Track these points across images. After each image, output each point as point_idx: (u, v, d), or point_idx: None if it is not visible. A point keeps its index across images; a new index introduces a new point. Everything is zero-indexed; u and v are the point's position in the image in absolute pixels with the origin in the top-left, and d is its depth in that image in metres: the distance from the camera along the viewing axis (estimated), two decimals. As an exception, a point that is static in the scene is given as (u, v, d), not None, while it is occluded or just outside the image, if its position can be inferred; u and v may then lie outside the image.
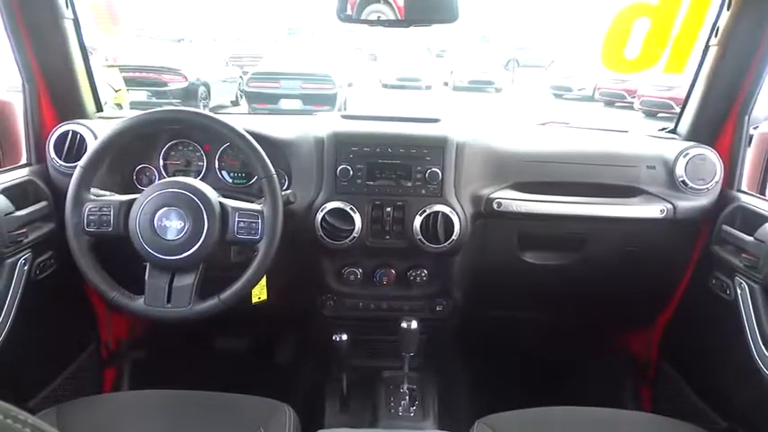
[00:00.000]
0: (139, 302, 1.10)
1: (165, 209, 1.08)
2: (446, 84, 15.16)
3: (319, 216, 1.30)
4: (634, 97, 10.66)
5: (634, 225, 1.40)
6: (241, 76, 9.43)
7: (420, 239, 1.31)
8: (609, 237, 1.44)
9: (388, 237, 1.34)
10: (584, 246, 1.45)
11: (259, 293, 1.30)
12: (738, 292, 1.24)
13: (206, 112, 1.21)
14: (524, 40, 21.75)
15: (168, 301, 1.09)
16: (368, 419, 1.43)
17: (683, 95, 1.51)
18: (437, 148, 1.33)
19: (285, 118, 1.59)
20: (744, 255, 1.22)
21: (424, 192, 1.32)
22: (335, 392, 1.51)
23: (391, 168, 1.32)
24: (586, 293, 1.55)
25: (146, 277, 1.10)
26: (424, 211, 1.31)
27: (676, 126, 1.53)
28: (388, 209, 1.32)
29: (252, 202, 1.15)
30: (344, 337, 1.35)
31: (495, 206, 1.34)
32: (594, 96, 12.53)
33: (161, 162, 1.42)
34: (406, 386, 1.41)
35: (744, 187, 1.43)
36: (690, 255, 1.46)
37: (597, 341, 1.80)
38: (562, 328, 1.75)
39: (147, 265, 1.11)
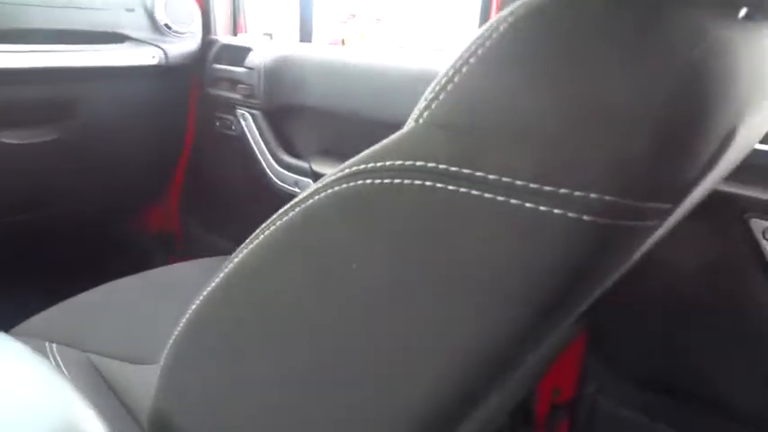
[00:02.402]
0: None
1: None
2: None
3: None
4: None
5: (128, 77, 1.28)
6: None
7: None
8: (104, 96, 1.28)
9: None
10: (77, 111, 1.24)
11: None
12: (243, 123, 1.30)
13: None
14: None
15: None
16: None
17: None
18: None
19: None
20: (240, 86, 1.28)
21: None
22: None
23: None
24: (90, 171, 1.36)
25: None
26: None
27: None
28: None
29: None
30: None
31: None
32: None
33: None
34: None
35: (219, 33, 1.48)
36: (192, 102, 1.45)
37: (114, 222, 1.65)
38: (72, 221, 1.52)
39: None
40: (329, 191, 0.33)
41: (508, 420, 1.02)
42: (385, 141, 0.33)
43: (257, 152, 1.28)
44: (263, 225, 0.38)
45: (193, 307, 0.44)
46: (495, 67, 0.29)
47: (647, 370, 0.97)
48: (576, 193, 0.26)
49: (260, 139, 1.27)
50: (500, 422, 0.98)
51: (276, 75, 1.24)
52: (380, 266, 0.32)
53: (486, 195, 0.28)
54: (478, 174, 0.28)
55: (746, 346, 0.85)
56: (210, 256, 1.10)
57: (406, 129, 0.32)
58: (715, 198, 0.66)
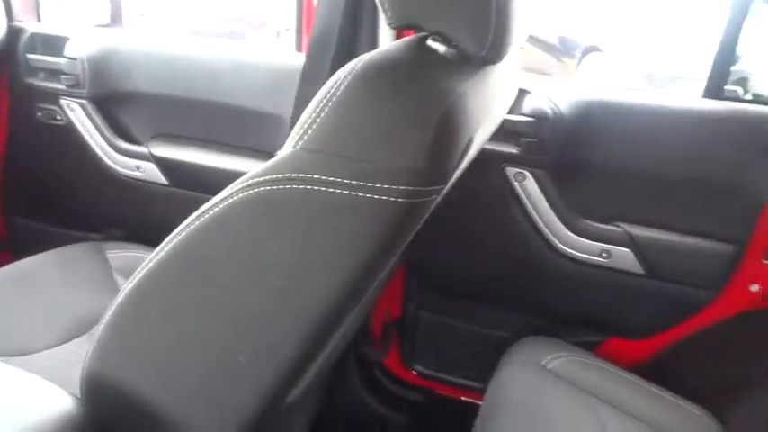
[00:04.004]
0: None
1: None
2: None
3: None
4: None
5: None
6: None
7: None
8: None
9: None
10: None
11: None
12: (70, 113, 1.32)
13: None
14: None
15: None
16: None
17: None
18: None
19: None
20: (63, 76, 1.29)
21: None
22: None
23: None
24: None
25: None
26: None
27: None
28: None
29: None
30: None
31: None
32: None
33: None
34: None
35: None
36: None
37: None
38: None
39: None
40: (236, 197, 0.51)
41: (350, 340, 1.28)
42: (275, 160, 0.51)
43: (90, 141, 1.32)
44: (185, 222, 0.54)
45: (125, 292, 0.58)
46: (340, 110, 0.49)
47: (452, 283, 1.28)
48: (394, 187, 0.48)
49: (92, 127, 1.31)
50: (345, 345, 1.23)
51: (101, 64, 1.28)
52: (282, 250, 0.51)
53: (345, 192, 0.48)
54: (338, 180, 0.48)
55: (514, 257, 1.19)
56: (41, 246, 1.16)
57: (288, 151, 0.51)
58: (482, 155, 0.94)
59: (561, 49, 4.72)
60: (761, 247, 1.05)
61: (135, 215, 1.36)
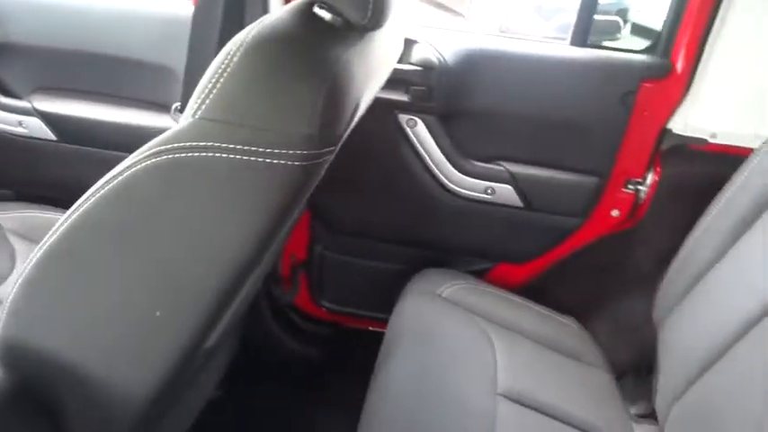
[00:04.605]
0: None
1: None
2: None
3: None
4: None
5: None
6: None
7: None
8: None
9: None
10: None
11: None
12: None
13: None
14: None
15: None
16: None
17: None
18: None
19: None
20: None
21: None
22: None
23: None
24: None
25: None
26: None
27: None
28: None
29: None
30: None
31: None
32: None
33: None
34: None
35: None
36: None
37: None
38: None
39: None
40: (141, 165, 0.54)
41: (262, 285, 1.34)
42: (175, 129, 0.54)
43: None
44: (94, 188, 0.56)
45: (36, 258, 0.59)
46: (235, 81, 0.53)
47: (354, 224, 1.36)
48: (290, 152, 0.53)
49: None
50: (257, 289, 1.29)
51: None
52: (191, 212, 0.55)
53: (245, 158, 0.53)
54: (237, 147, 0.52)
55: (409, 197, 1.28)
56: None
57: (188, 121, 0.54)
58: (376, 103, 1.00)
59: (456, -19, 4.80)
60: (620, 178, 1.20)
61: (23, 173, 1.30)
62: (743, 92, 1.09)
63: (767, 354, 0.75)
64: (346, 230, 1.37)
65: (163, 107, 1.22)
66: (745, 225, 0.88)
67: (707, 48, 1.08)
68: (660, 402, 0.96)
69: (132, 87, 1.23)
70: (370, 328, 1.46)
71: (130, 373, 0.63)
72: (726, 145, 1.11)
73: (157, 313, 0.60)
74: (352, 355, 1.47)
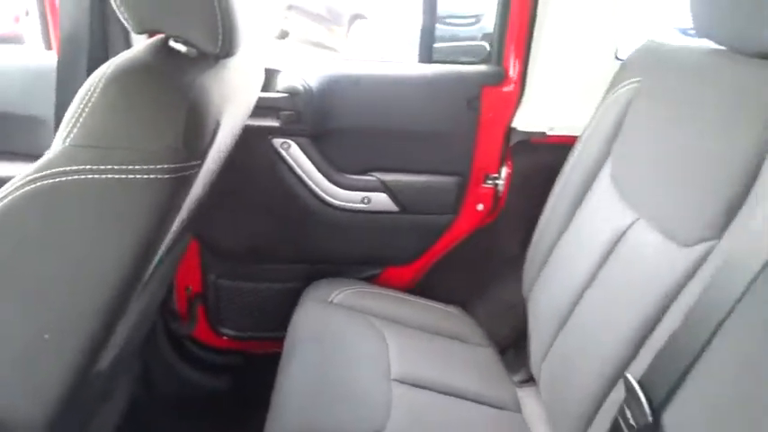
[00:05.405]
0: None
1: None
2: None
3: None
4: None
5: None
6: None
7: None
8: None
9: None
10: None
11: None
12: None
13: None
14: None
15: None
16: None
17: None
18: None
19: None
20: None
21: None
22: None
23: None
24: None
25: None
26: None
27: None
28: None
29: None
30: None
31: None
32: None
33: None
34: None
35: None
36: None
37: None
38: None
39: None
40: (16, 194, 0.58)
41: (160, 320, 1.35)
42: (46, 157, 0.59)
43: None
44: None
45: None
46: (100, 109, 0.59)
47: (243, 249, 1.41)
48: (159, 166, 0.59)
49: None
50: (153, 321, 1.29)
51: None
52: (68, 236, 0.59)
53: (117, 177, 0.58)
54: (109, 167, 0.58)
55: (292, 215, 1.35)
56: None
57: (59, 148, 0.59)
58: (249, 131, 1.08)
59: (330, 19, 4.98)
60: (479, 174, 1.35)
61: None
62: (568, 87, 1.27)
63: (614, 285, 0.87)
64: (236, 257, 1.41)
65: (36, 157, 1.22)
66: (579, 197, 1.04)
67: (531, 53, 1.26)
68: (534, 365, 1.09)
69: (1, 140, 1.22)
70: (275, 350, 1.49)
71: (25, 401, 0.64)
72: (562, 135, 1.28)
73: (46, 336, 0.63)
74: (260, 379, 1.50)
